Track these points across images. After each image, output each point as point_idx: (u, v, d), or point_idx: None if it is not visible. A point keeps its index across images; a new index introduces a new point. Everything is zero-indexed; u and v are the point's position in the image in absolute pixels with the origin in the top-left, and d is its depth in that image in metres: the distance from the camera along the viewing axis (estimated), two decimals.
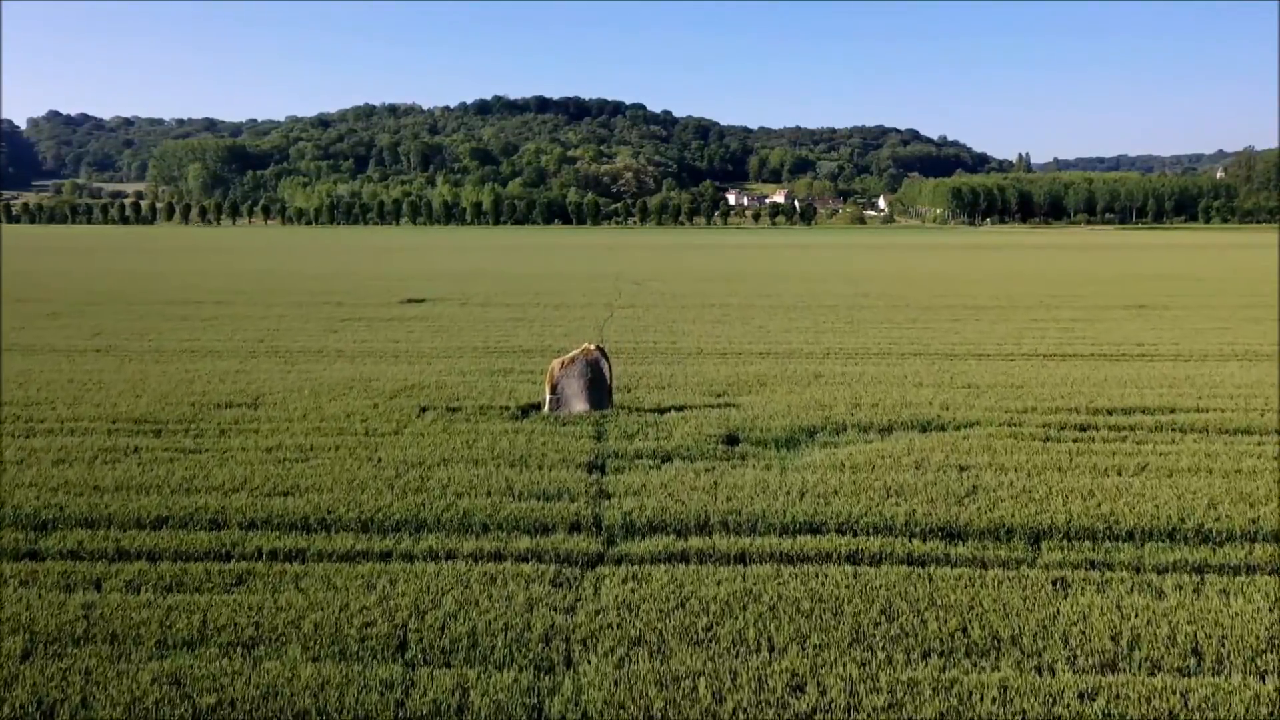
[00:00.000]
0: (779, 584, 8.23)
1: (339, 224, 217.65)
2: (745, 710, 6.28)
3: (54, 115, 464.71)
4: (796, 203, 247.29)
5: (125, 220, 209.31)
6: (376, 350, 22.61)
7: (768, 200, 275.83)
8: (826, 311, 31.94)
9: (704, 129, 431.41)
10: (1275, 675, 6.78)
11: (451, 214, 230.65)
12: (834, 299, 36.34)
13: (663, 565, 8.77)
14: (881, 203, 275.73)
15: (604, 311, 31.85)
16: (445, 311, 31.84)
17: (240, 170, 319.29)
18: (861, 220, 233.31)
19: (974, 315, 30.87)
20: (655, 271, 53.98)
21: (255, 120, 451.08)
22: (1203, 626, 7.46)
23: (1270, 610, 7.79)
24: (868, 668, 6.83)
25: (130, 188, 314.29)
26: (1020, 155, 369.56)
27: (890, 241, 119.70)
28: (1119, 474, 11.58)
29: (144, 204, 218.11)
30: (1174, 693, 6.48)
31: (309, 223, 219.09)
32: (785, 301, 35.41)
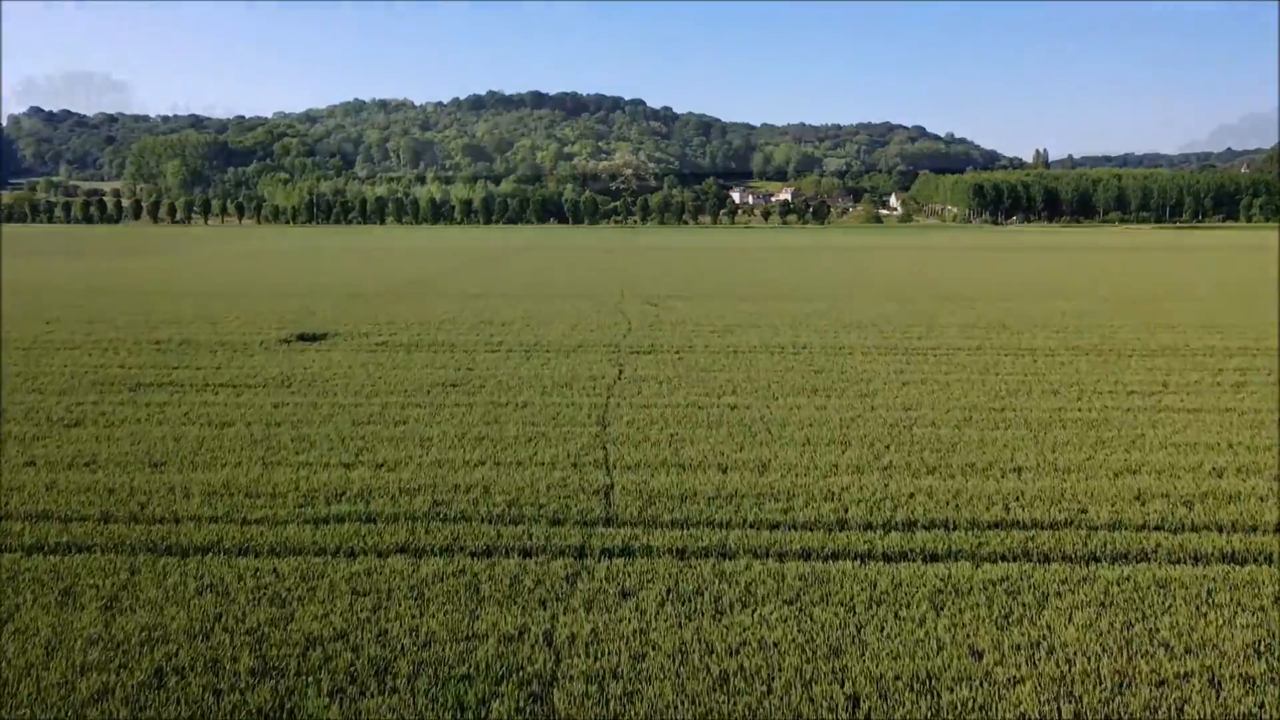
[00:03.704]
0: None
1: (319, 223, 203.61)
2: None
3: (36, 111, 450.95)
4: (808, 201, 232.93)
5: (90, 219, 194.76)
6: (60, 510, 9.39)
7: (774, 198, 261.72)
8: (986, 363, 18.65)
9: (705, 125, 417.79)
10: None
11: (440, 212, 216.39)
12: (966, 332, 23.03)
13: None
14: (893, 200, 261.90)
15: (606, 364, 18.59)
16: (336, 364, 18.58)
17: (223, 167, 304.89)
18: (877, 219, 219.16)
19: (1263, 373, 17.62)
20: (672, 283, 40.64)
21: (243, 117, 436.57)
22: None
23: None
24: None
25: (110, 185, 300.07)
26: (1038, 151, 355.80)
27: (928, 242, 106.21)
28: None
29: (110, 202, 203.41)
30: None
31: (287, 221, 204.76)
32: (893, 339, 22.12)
